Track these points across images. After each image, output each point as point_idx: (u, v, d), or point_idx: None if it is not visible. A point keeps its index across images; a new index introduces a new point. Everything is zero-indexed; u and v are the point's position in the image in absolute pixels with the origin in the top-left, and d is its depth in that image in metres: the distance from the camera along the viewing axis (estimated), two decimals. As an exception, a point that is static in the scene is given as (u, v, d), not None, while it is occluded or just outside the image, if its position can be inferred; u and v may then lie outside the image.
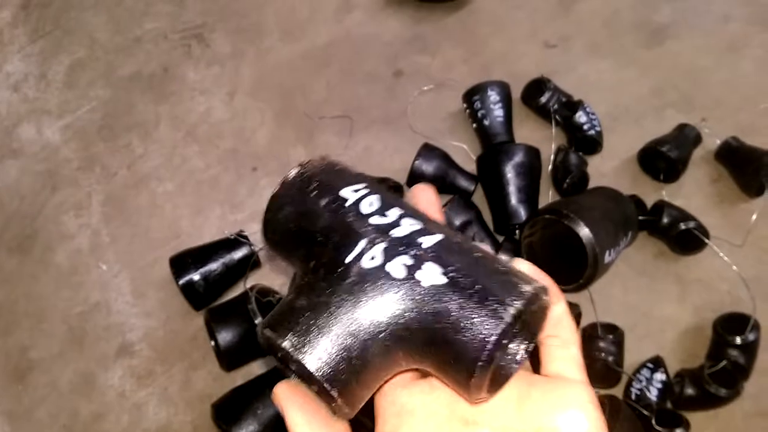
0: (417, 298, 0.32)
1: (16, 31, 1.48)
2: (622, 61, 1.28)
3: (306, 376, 0.33)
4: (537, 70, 1.24)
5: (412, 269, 0.33)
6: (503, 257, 0.34)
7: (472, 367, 0.30)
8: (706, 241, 1.04)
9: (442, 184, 1.15)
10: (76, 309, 1.18)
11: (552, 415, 0.31)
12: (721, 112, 1.19)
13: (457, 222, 1.08)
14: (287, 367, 0.34)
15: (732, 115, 1.19)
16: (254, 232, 1.17)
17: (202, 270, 1.09)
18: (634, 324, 1.05)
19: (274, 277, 1.15)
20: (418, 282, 0.33)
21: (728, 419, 0.98)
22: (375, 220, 0.35)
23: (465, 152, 1.20)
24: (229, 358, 1.03)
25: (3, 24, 1.49)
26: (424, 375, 0.36)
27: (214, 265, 1.10)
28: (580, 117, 1.15)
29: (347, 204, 0.37)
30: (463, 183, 1.15)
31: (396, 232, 0.35)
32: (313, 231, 0.37)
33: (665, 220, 1.06)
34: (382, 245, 0.34)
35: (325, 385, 0.32)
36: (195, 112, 1.34)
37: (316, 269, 0.35)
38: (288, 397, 0.35)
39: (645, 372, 0.98)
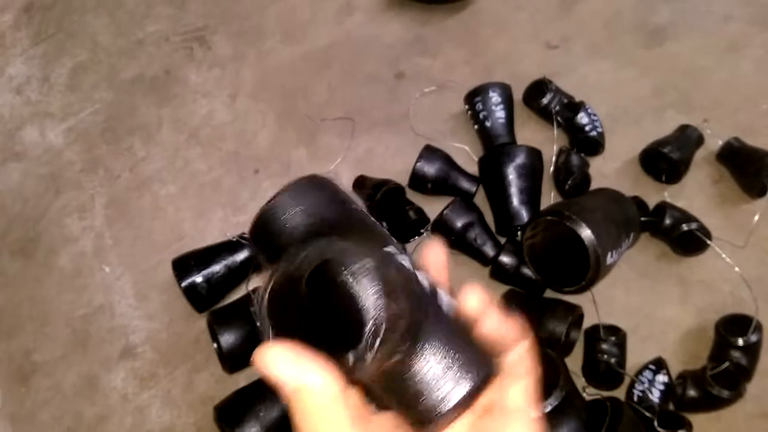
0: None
1: (18, 34, 1.48)
2: (623, 61, 1.28)
3: None
4: (538, 71, 1.24)
5: None
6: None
7: (429, 418, 0.33)
8: (708, 242, 1.04)
9: (444, 185, 1.15)
10: (80, 312, 1.18)
11: None
12: (721, 112, 1.19)
13: (459, 224, 1.08)
14: None
15: (732, 116, 1.19)
16: (256, 235, 1.17)
17: (205, 272, 1.09)
18: (637, 325, 1.05)
19: (277, 279, 1.15)
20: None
21: (731, 421, 0.97)
22: None
23: (467, 154, 1.20)
24: (231, 361, 1.04)
25: (5, 27, 1.49)
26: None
27: (216, 268, 1.10)
28: (582, 118, 1.15)
29: None
30: (465, 185, 1.15)
31: None
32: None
33: (667, 221, 1.06)
34: None
35: None
36: (197, 115, 1.34)
37: None
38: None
39: (647, 374, 0.98)
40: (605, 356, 0.98)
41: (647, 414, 0.93)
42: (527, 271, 1.06)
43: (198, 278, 1.08)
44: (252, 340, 1.02)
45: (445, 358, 0.34)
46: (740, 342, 0.96)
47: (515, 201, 1.10)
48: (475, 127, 1.20)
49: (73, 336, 1.17)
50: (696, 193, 1.15)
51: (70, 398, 1.12)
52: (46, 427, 1.11)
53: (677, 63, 1.26)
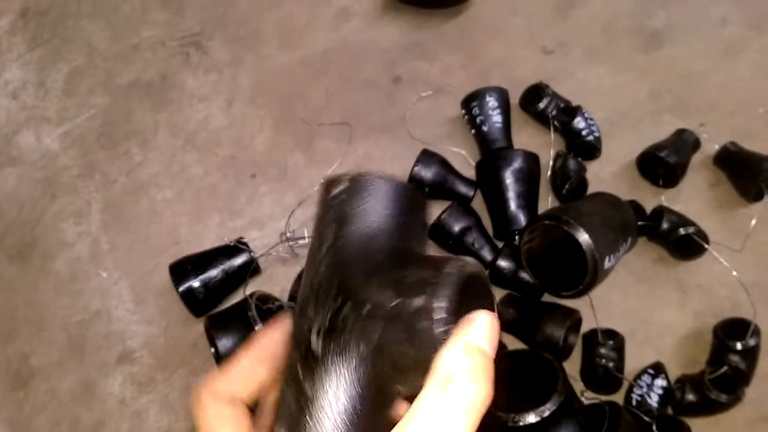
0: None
1: (14, 39, 1.48)
2: (620, 66, 1.28)
3: None
4: (535, 75, 1.24)
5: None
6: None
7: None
8: (706, 246, 1.04)
9: (441, 189, 1.15)
10: (76, 317, 1.18)
11: None
12: (718, 116, 1.19)
13: (456, 228, 1.08)
14: None
15: (729, 120, 1.19)
16: (253, 239, 1.17)
17: (202, 277, 1.09)
18: (635, 330, 1.05)
19: (274, 284, 1.16)
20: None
21: (729, 425, 0.97)
22: None
23: (464, 158, 1.20)
24: (229, 366, 1.03)
25: (1, 32, 1.49)
26: None
27: (213, 272, 1.10)
28: (579, 122, 1.16)
29: None
30: (462, 189, 1.15)
31: None
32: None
33: (664, 225, 1.06)
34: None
35: None
36: (194, 120, 1.34)
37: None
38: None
39: (646, 378, 0.98)
40: (603, 360, 0.98)
41: (646, 418, 0.93)
42: (525, 275, 1.06)
43: (195, 283, 1.08)
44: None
45: None
46: (738, 346, 0.96)
47: (512, 205, 1.10)
48: (472, 131, 1.20)
49: (69, 341, 1.16)
50: (693, 197, 1.15)
51: (67, 403, 1.12)
52: (43, 433, 1.10)
53: (674, 67, 1.27)
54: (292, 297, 1.09)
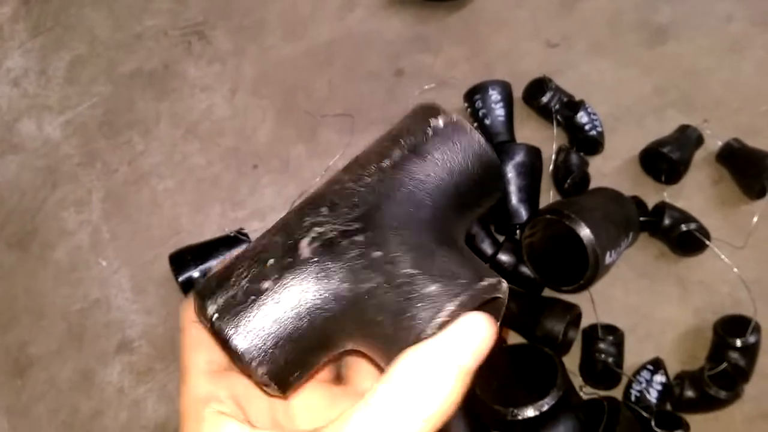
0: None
1: (16, 26, 1.48)
2: (624, 60, 1.28)
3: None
4: (539, 69, 1.24)
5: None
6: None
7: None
8: (707, 242, 1.04)
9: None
10: (76, 305, 1.18)
11: None
12: (722, 113, 1.19)
13: (458, 221, 1.08)
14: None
15: (733, 116, 1.19)
16: (254, 230, 1.17)
17: (202, 267, 1.09)
18: (635, 325, 1.05)
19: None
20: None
21: (728, 422, 0.97)
22: None
23: (466, 151, 1.20)
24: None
25: (3, 20, 1.49)
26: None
27: (213, 263, 1.09)
28: (582, 117, 1.15)
29: None
30: (464, 182, 1.15)
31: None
32: None
33: (666, 221, 1.06)
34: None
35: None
36: (196, 110, 1.34)
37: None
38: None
39: (645, 374, 0.98)
40: (603, 356, 0.98)
41: (644, 414, 0.93)
42: (526, 269, 1.06)
43: (195, 273, 1.08)
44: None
45: None
46: (738, 343, 0.96)
47: (514, 199, 1.10)
48: (475, 124, 1.20)
49: (69, 330, 1.16)
50: (695, 194, 1.14)
51: (66, 392, 1.12)
52: (42, 420, 1.10)
53: (678, 63, 1.26)
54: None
